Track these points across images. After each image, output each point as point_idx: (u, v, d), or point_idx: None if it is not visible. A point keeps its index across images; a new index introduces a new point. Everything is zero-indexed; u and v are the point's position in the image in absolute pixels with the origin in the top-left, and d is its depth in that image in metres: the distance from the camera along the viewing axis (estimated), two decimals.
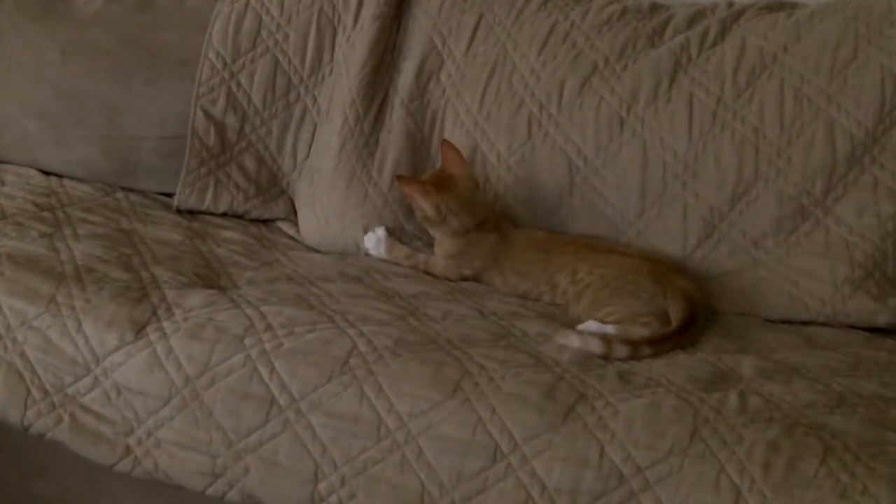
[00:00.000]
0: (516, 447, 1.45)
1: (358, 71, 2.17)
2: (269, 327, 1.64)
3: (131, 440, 1.61)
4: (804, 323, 1.87)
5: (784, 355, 1.68)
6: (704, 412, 1.45)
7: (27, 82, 2.30)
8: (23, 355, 1.66)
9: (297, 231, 2.19)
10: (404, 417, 1.50)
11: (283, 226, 2.22)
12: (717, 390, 1.52)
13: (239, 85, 2.23)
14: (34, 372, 1.66)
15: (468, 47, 2.17)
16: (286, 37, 2.25)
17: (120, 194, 2.23)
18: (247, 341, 1.61)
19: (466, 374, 1.53)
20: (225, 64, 2.24)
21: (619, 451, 1.42)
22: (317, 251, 2.11)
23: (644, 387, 1.52)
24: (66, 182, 2.25)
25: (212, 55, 2.24)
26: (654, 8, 2.16)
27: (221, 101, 2.22)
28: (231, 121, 2.22)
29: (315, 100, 2.24)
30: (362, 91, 2.16)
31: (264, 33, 2.25)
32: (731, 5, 2.11)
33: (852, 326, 1.86)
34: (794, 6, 2.09)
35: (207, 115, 2.22)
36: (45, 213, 2.03)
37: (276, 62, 2.24)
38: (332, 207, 2.12)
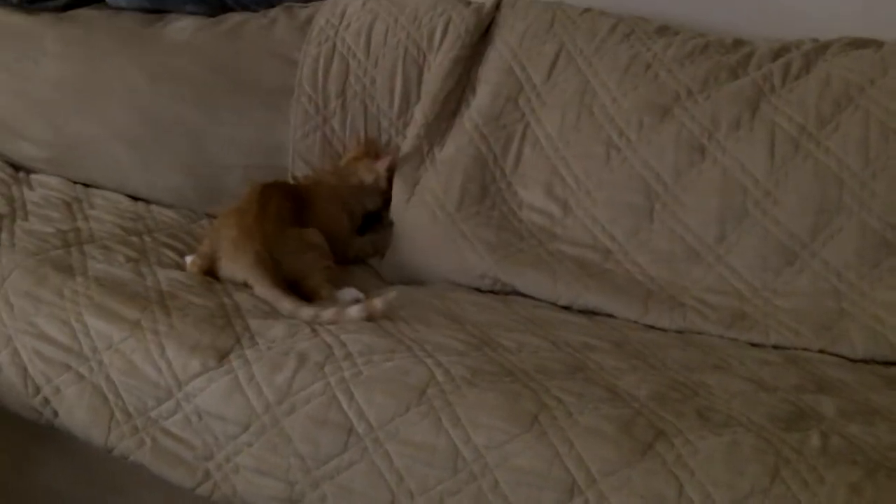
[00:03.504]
0: (594, 483, 1.44)
1: (432, 98, 2.20)
2: (348, 355, 1.64)
3: (210, 465, 1.63)
4: (886, 364, 1.81)
5: (865, 396, 1.64)
6: (785, 452, 1.43)
7: (116, 107, 2.35)
8: (108, 378, 1.69)
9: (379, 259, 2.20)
10: (481, 449, 1.49)
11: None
12: (798, 430, 1.49)
13: (333, 130, 2.28)
14: (118, 395, 1.68)
15: (549, 75, 2.17)
16: (373, 81, 2.29)
17: (205, 221, 2.27)
18: (327, 369, 1.62)
19: (544, 407, 1.53)
20: (317, 109, 2.29)
21: (699, 490, 1.40)
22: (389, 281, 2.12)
23: (724, 425, 1.49)
24: (154, 207, 2.29)
25: (304, 99, 2.29)
26: (738, 43, 2.14)
27: (317, 148, 2.27)
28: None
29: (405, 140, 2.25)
30: (433, 115, 2.20)
31: (352, 79, 2.30)
32: (815, 41, 2.09)
33: None
34: (881, 44, 2.05)
35: (306, 162, 2.27)
36: (133, 238, 2.07)
37: (366, 107, 2.28)
38: None
